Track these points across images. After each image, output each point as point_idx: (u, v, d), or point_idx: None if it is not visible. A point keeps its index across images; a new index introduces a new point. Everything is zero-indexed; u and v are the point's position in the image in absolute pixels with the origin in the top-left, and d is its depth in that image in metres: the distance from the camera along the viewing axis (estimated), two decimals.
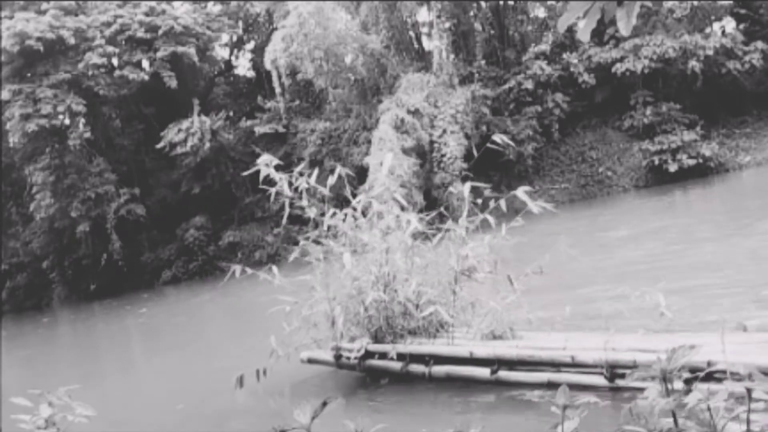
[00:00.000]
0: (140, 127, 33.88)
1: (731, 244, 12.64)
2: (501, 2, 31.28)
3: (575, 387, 5.34)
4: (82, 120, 31.06)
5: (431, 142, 26.45)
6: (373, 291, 7.52)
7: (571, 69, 28.76)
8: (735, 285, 9.29)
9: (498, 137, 8.09)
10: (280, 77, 28.23)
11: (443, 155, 26.14)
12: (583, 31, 2.27)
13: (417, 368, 7.40)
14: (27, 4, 30.54)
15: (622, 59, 27.41)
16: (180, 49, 30.08)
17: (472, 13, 31.20)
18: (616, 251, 14.56)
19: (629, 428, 1.96)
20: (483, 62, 30.47)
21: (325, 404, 2.19)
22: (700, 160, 26.79)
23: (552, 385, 6.09)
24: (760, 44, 27.53)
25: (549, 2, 31.09)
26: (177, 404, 8.89)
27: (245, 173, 8.70)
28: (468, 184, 8.11)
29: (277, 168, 8.23)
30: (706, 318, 7.62)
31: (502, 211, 7.60)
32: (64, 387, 3.15)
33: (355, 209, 8.28)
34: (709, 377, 3.52)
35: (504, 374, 6.70)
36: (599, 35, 28.27)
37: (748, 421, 2.01)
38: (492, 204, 7.86)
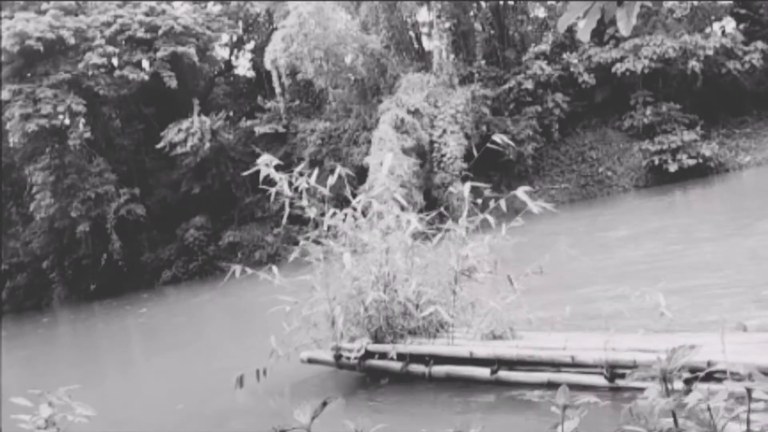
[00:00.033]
0: (140, 127, 33.88)
1: (731, 244, 12.64)
2: (501, 2, 31.28)
3: (575, 387, 5.34)
4: (82, 120, 31.06)
5: (431, 142, 26.45)
6: (373, 291, 7.52)
7: (571, 69, 28.76)
8: (735, 285, 9.29)
9: (498, 137, 8.09)
10: (280, 77, 28.23)
11: (443, 155, 26.14)
12: (583, 31, 2.27)
13: (417, 368, 7.40)
14: (27, 4, 30.54)
15: (622, 59, 27.41)
16: (180, 49, 30.08)
17: (472, 13, 31.20)
18: (616, 251, 14.55)
19: (629, 428, 1.96)
20: (483, 62, 30.47)
21: (325, 404, 2.19)
22: (700, 160, 26.79)
23: (552, 385, 6.09)
24: (760, 44, 27.53)
25: (549, 2, 31.09)
26: (177, 404, 8.89)
27: (245, 173, 8.68)
28: (468, 184, 8.10)
29: (277, 168, 8.23)
30: (706, 318, 7.62)
31: (502, 211, 7.60)
32: (64, 387, 3.15)
33: (355, 209, 8.28)
34: (709, 377, 3.52)
35: (504, 374, 6.70)
36: (599, 35, 28.27)
37: (748, 421, 2.01)
38: (492, 204, 7.86)
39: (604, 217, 22.25)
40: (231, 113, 34.98)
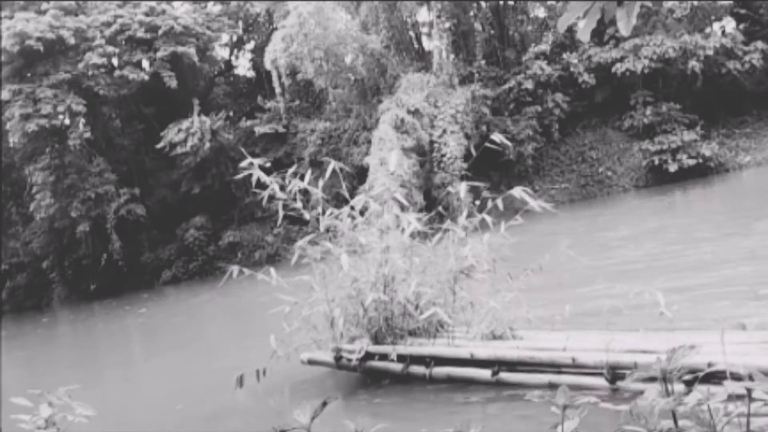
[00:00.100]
0: (140, 127, 33.88)
1: (731, 244, 12.65)
2: (501, 2, 31.28)
3: (576, 388, 5.34)
4: (82, 120, 31.07)
5: (431, 142, 26.45)
6: (373, 292, 7.51)
7: (571, 69, 28.76)
8: (734, 284, 9.30)
9: (496, 136, 8.08)
10: (280, 77, 28.23)
11: (443, 155, 26.13)
12: (583, 31, 2.27)
13: (417, 370, 7.39)
14: (27, 4, 30.54)
15: (622, 59, 27.41)
16: (180, 49, 30.09)
17: (472, 13, 31.20)
18: (615, 251, 14.56)
19: (629, 428, 1.96)
20: (483, 62, 30.47)
21: (325, 404, 2.19)
22: (700, 160, 26.79)
23: (553, 387, 6.08)
24: (760, 44, 27.53)
25: (549, 2, 31.09)
26: (177, 404, 8.89)
27: (236, 177, 8.62)
28: (464, 184, 8.11)
29: (273, 169, 8.20)
30: (705, 317, 7.63)
31: (502, 211, 7.61)
32: (64, 387, 3.15)
33: (353, 208, 8.26)
34: (709, 377, 3.52)
35: (505, 376, 6.70)
36: (599, 35, 28.27)
37: (748, 421, 2.01)
38: (490, 204, 7.86)
39: (604, 217, 22.26)
40: (231, 113, 34.99)
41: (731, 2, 28.87)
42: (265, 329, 8.40)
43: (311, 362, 8.28)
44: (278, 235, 28.62)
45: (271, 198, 8.22)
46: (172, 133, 30.10)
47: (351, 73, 29.30)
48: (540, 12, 32.43)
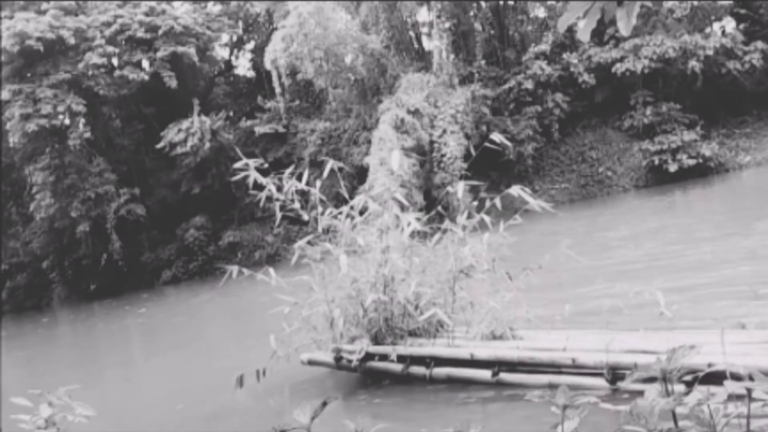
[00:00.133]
0: (140, 127, 33.89)
1: (731, 244, 12.65)
2: (501, 2, 31.28)
3: (576, 388, 5.34)
4: (82, 120, 31.07)
5: (431, 142, 26.45)
6: (372, 292, 7.50)
7: (571, 69, 28.76)
8: (734, 284, 9.31)
9: (496, 136, 8.08)
10: (280, 77, 28.23)
11: (443, 155, 26.14)
12: (583, 31, 2.27)
13: (418, 370, 7.39)
14: (27, 4, 30.54)
15: (622, 59, 27.41)
16: (180, 49, 30.09)
17: (472, 13, 31.21)
18: (615, 251, 14.56)
19: (629, 428, 1.96)
20: (483, 62, 30.47)
21: (325, 404, 2.19)
22: (700, 160, 26.79)
23: (553, 387, 6.08)
24: (760, 44, 27.53)
25: (549, 2, 31.09)
26: (177, 404, 8.89)
27: (233, 179, 8.58)
28: (461, 183, 8.10)
29: (269, 170, 8.19)
30: (705, 316, 7.63)
31: (501, 211, 7.61)
32: (64, 387, 3.15)
33: (352, 208, 8.25)
34: (709, 377, 3.52)
35: (505, 376, 6.70)
36: (599, 35, 28.27)
37: (748, 421, 2.01)
38: (488, 203, 7.86)
39: (604, 217, 22.26)
40: (231, 113, 34.99)
41: (731, 2, 28.87)
42: (264, 329, 8.40)
43: (311, 363, 8.27)
44: (278, 235, 28.62)
45: (269, 199, 8.22)
46: (172, 133, 30.10)
47: (351, 73, 29.30)
48: (540, 12, 32.44)
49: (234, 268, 8.21)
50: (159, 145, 30.48)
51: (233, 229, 31.20)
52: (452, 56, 29.74)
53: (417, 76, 27.54)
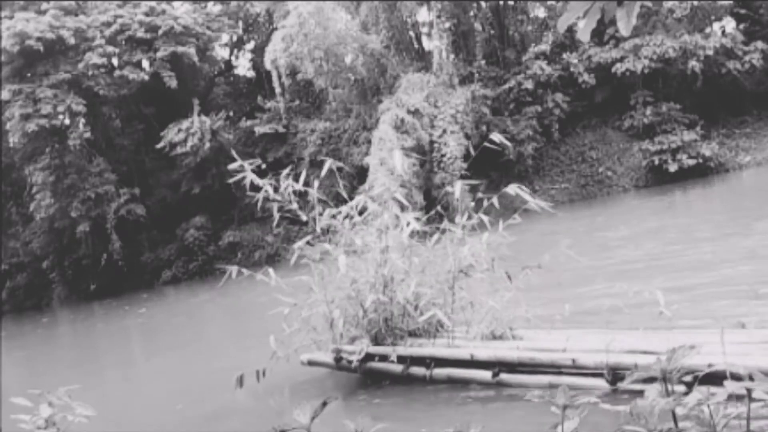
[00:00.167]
0: (140, 127, 33.89)
1: (730, 244, 12.65)
2: (501, 2, 31.28)
3: (576, 389, 5.33)
4: (82, 120, 31.07)
5: (431, 142, 26.45)
6: (372, 293, 7.50)
7: (571, 69, 28.76)
8: (734, 283, 9.31)
9: (496, 136, 8.08)
10: (280, 77, 28.23)
11: (443, 155, 26.14)
12: (583, 31, 2.27)
13: (418, 371, 7.38)
14: (27, 4, 30.54)
15: (622, 59, 27.41)
16: (180, 49, 30.09)
17: (472, 13, 31.21)
18: (615, 251, 14.56)
19: (629, 428, 1.96)
20: (483, 62, 30.47)
21: (325, 404, 2.19)
22: (700, 160, 26.79)
23: (553, 387, 6.07)
24: (760, 44, 27.53)
25: (549, 2, 31.09)
26: (176, 404, 8.89)
27: (230, 180, 8.57)
28: (460, 183, 8.10)
29: (267, 170, 8.19)
30: (705, 316, 7.64)
31: (501, 211, 7.61)
32: (64, 387, 3.15)
33: (351, 208, 8.24)
34: (709, 378, 3.52)
35: (505, 377, 6.70)
36: (599, 35, 28.27)
37: (748, 422, 2.01)
38: (486, 203, 7.85)
39: (603, 217, 22.25)
40: (231, 113, 35.00)
41: (731, 2, 28.87)
42: (264, 330, 8.40)
43: (311, 363, 8.26)
44: (278, 236, 28.61)
45: (268, 199, 8.21)
46: (172, 133, 30.10)
47: (351, 73, 29.30)
48: (540, 12, 32.43)
49: (234, 269, 8.21)
50: (159, 145, 30.49)
51: (233, 229, 31.21)
52: (452, 56, 29.74)
53: (417, 76, 27.55)
